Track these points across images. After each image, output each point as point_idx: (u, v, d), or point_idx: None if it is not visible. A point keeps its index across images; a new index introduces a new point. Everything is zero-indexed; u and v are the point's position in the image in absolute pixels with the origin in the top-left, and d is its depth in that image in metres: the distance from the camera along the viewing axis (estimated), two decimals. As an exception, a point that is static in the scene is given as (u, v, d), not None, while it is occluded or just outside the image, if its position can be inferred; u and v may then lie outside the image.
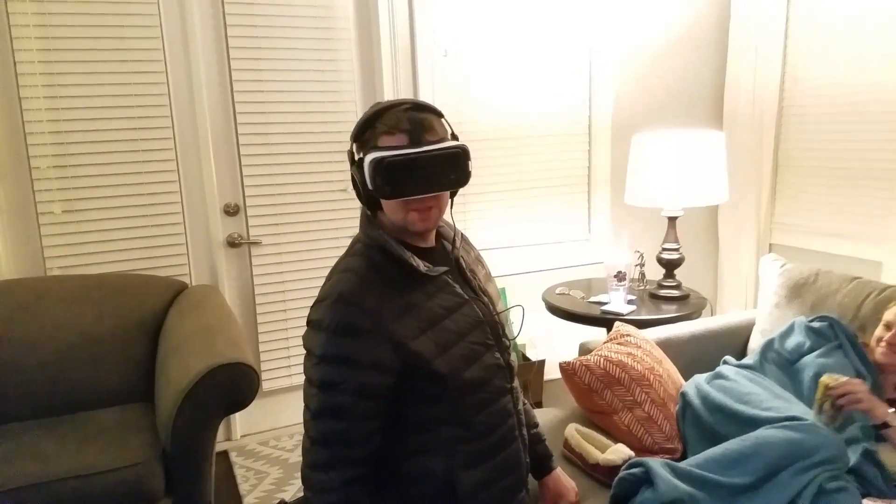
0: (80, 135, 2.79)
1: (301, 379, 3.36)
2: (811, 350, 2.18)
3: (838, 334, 2.16)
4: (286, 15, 3.05)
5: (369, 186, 1.34)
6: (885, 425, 1.80)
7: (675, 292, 3.04)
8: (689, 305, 2.96)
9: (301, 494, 2.68)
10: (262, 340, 3.23)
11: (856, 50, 3.19)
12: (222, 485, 2.83)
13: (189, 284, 2.91)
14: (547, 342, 3.59)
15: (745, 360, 2.32)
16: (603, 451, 1.91)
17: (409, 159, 1.31)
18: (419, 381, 1.37)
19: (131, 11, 2.79)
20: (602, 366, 2.14)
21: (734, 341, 2.64)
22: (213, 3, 2.94)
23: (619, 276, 2.91)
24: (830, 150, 3.38)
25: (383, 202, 1.39)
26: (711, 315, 2.97)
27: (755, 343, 2.57)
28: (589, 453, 1.92)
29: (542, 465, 1.70)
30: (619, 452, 1.88)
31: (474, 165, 1.41)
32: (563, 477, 1.72)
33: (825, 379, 1.85)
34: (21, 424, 2.30)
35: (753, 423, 1.86)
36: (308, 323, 1.38)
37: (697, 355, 2.50)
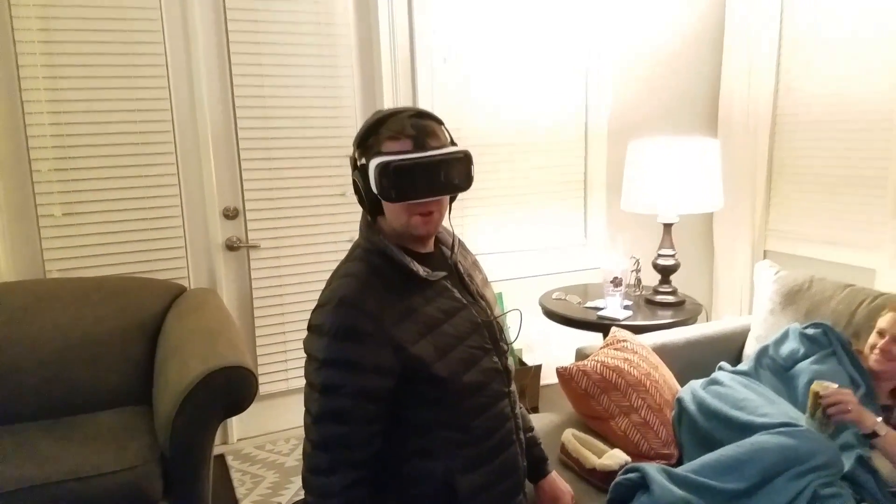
0: (80, 138, 2.81)
1: (298, 383, 3.39)
2: (805, 357, 2.19)
3: (832, 341, 2.18)
4: (287, 21, 3.07)
5: (374, 190, 1.36)
6: (875, 434, 1.83)
7: (670, 298, 3.06)
8: (684, 311, 2.98)
9: (297, 498, 2.69)
10: (260, 344, 3.24)
11: (848, 60, 3.22)
12: (219, 488, 2.83)
13: (188, 287, 2.92)
14: (544, 347, 3.61)
15: (741, 367, 2.34)
16: (599, 457, 1.93)
17: (414, 163, 1.33)
18: (419, 385, 1.39)
19: (134, 17, 2.81)
20: (599, 371, 2.15)
21: (729, 347, 2.65)
22: (215, 9, 2.96)
23: (616, 282, 2.93)
24: (824, 158, 3.40)
25: (386, 207, 1.41)
26: (707, 321, 2.99)
27: (750, 349, 2.58)
28: (586, 458, 1.93)
29: (537, 469, 1.72)
30: (615, 457, 1.89)
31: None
32: (558, 480, 1.74)
33: (815, 387, 1.87)
34: (19, 426, 2.30)
35: (748, 429, 1.88)
36: (309, 327, 1.39)
37: (693, 361, 2.51)
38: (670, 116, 3.85)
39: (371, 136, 1.40)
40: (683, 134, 3.85)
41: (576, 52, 3.64)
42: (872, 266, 3.14)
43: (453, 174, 1.38)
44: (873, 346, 2.08)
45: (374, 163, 1.34)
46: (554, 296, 3.23)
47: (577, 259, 3.81)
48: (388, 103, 3.24)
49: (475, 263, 1.69)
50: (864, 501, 1.76)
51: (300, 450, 3.11)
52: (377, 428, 1.38)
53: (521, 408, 1.69)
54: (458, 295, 1.51)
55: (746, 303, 3.77)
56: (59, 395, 2.43)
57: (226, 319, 2.53)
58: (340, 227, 3.31)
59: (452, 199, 1.50)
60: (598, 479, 1.89)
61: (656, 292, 3.11)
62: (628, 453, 1.94)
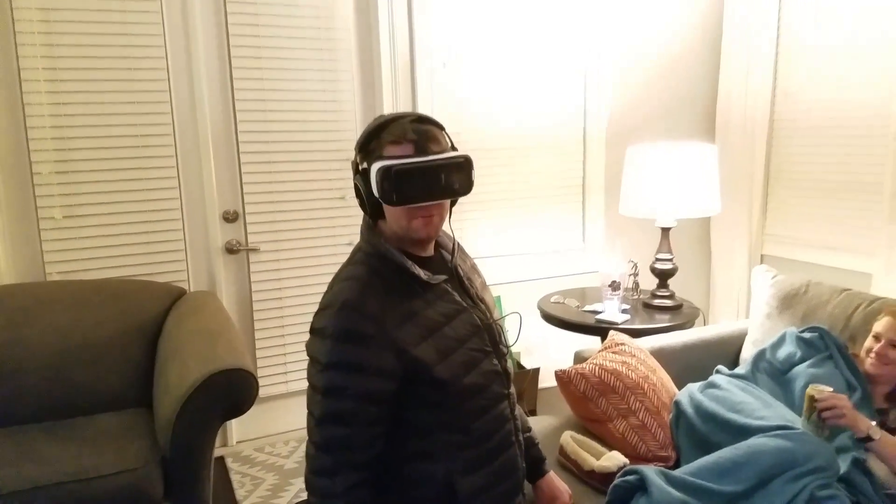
0: (81, 141, 2.82)
1: (297, 385, 3.40)
2: (802, 360, 2.21)
3: (829, 345, 2.19)
4: (288, 25, 3.08)
5: (376, 194, 1.37)
6: (869, 438, 1.84)
7: (668, 302, 3.08)
8: (682, 315, 2.99)
9: (297, 500, 2.70)
10: (259, 347, 3.25)
11: (845, 66, 3.24)
12: (219, 490, 2.84)
13: (188, 290, 2.93)
14: (542, 350, 3.62)
15: (738, 370, 2.35)
16: (598, 458, 1.94)
17: (416, 167, 1.34)
18: (420, 387, 1.40)
19: (135, 20, 2.83)
20: (597, 374, 2.17)
21: (726, 351, 2.67)
22: (215, 13, 2.98)
23: (614, 286, 2.95)
24: (821, 163, 3.42)
25: (387, 210, 1.42)
26: (704, 325, 3.00)
27: (747, 353, 2.60)
28: (584, 460, 1.95)
29: (535, 469, 1.73)
30: (613, 459, 1.91)
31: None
32: (556, 480, 1.75)
33: (811, 390, 1.89)
34: (20, 428, 2.31)
35: (746, 431, 1.89)
36: (312, 331, 1.41)
37: (690, 364, 2.53)
38: (668, 120, 3.87)
39: (373, 141, 1.41)
40: (681, 138, 3.87)
41: (574, 56, 3.66)
42: (869, 271, 3.15)
43: (454, 178, 1.40)
44: (869, 350, 2.10)
45: (375, 167, 1.35)
46: (552, 299, 3.25)
47: (575, 263, 3.82)
48: (388, 107, 3.26)
49: (474, 267, 1.71)
50: (859, 503, 1.77)
51: (299, 452, 3.12)
52: (379, 430, 1.39)
53: (519, 409, 1.71)
54: (458, 298, 1.52)
55: (743, 307, 3.79)
56: (59, 398, 2.43)
57: (226, 322, 2.54)
58: (339, 230, 3.32)
59: (453, 204, 1.51)
60: (596, 480, 1.90)
61: (654, 296, 3.13)
62: (626, 455, 1.96)
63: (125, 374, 2.54)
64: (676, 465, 2.00)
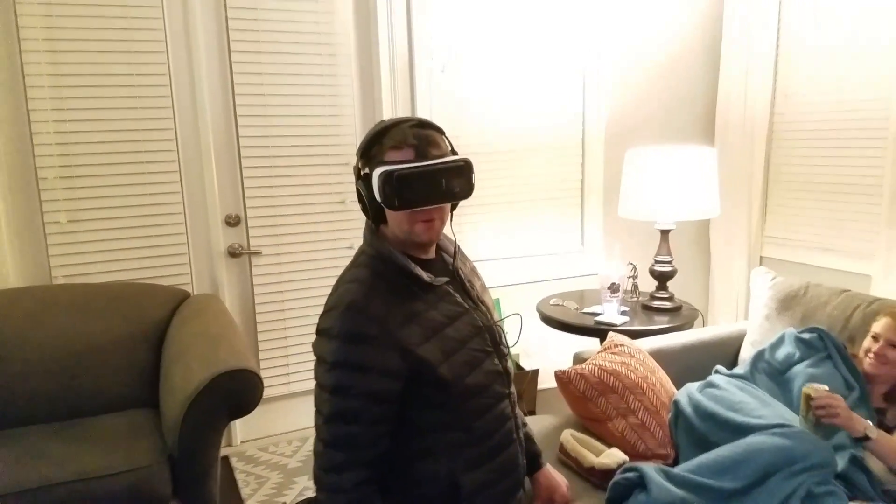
0: (85, 146, 2.85)
1: (300, 386, 3.42)
2: (801, 360, 2.23)
3: (827, 345, 2.21)
4: (288, 31, 3.11)
5: (378, 199, 1.39)
6: (867, 438, 1.87)
7: (667, 304, 3.10)
8: (681, 317, 3.01)
9: (301, 498, 2.72)
10: (262, 349, 3.28)
11: (845, 68, 3.26)
12: (224, 489, 2.86)
13: (191, 293, 2.96)
14: (540, 352, 3.64)
15: (736, 370, 2.37)
16: (598, 456, 1.96)
17: (417, 172, 1.37)
18: (424, 387, 1.42)
19: (137, 26, 2.85)
20: (597, 374, 2.19)
21: (725, 352, 2.69)
22: (216, 20, 3.00)
23: (613, 288, 2.97)
24: (820, 165, 3.44)
25: (389, 215, 1.45)
26: (703, 326, 3.02)
27: (746, 354, 2.62)
28: (584, 457, 1.97)
29: (532, 463, 1.76)
30: (613, 456, 1.93)
31: (472, 177, 1.48)
32: (553, 472, 1.77)
33: (807, 389, 1.91)
34: (28, 429, 2.33)
35: (744, 430, 1.91)
36: (318, 331, 1.43)
37: (689, 365, 2.55)
38: (667, 122, 3.89)
39: (374, 146, 1.43)
40: (680, 139, 3.90)
41: (573, 57, 3.67)
42: (868, 272, 3.17)
43: (454, 182, 1.42)
44: (868, 351, 2.12)
45: (377, 172, 1.38)
46: (551, 302, 3.27)
47: (574, 265, 3.85)
48: (388, 112, 3.29)
49: (474, 270, 1.73)
50: (856, 499, 1.80)
51: (303, 451, 3.14)
52: (385, 428, 1.42)
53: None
54: (460, 300, 1.54)
55: (742, 308, 3.81)
56: (66, 399, 2.46)
57: (229, 324, 2.56)
58: (340, 234, 3.34)
59: (454, 207, 1.53)
60: (596, 477, 1.92)
61: (653, 298, 3.14)
62: (626, 454, 1.98)
63: (131, 375, 2.57)
64: (675, 464, 2.02)
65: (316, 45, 3.18)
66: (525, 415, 2.00)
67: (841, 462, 1.85)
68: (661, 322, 2.92)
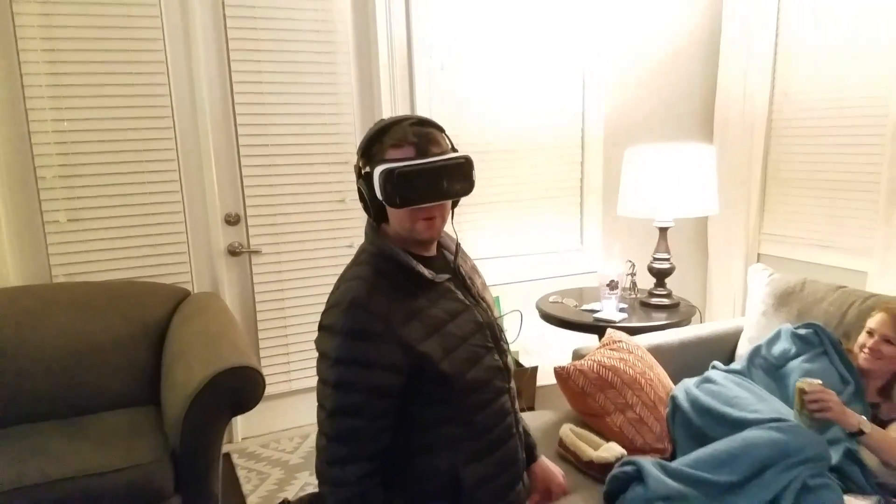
0: (84, 145, 2.86)
1: (300, 384, 3.43)
2: (797, 356, 2.26)
3: (823, 341, 2.24)
4: (287, 29, 3.12)
5: (379, 196, 1.40)
6: (861, 432, 1.89)
7: (665, 300, 3.12)
8: (679, 313, 3.03)
9: (302, 493, 2.74)
10: (263, 346, 3.29)
11: (843, 67, 3.28)
12: (226, 485, 2.87)
13: (191, 292, 2.97)
14: (540, 349, 3.66)
15: (733, 366, 2.40)
16: (596, 449, 1.99)
17: (417, 169, 1.38)
18: (426, 383, 1.44)
19: (136, 25, 2.87)
20: (595, 370, 2.21)
21: (722, 348, 2.71)
22: (214, 18, 3.02)
23: (612, 285, 2.99)
24: (818, 163, 3.46)
25: (390, 212, 1.46)
26: (700, 323, 3.04)
27: (743, 349, 2.64)
28: (583, 451, 1.99)
29: (529, 454, 1.77)
30: (612, 450, 1.95)
31: (471, 176, 1.49)
32: (549, 463, 1.79)
33: (801, 384, 1.94)
34: (31, 426, 2.35)
35: (740, 424, 1.94)
36: (321, 328, 1.44)
37: (687, 361, 2.57)
38: (666, 120, 3.91)
39: (374, 145, 1.44)
40: (679, 138, 3.91)
41: (573, 56, 3.69)
42: (865, 269, 3.19)
43: (455, 179, 1.43)
44: (863, 346, 2.14)
45: (378, 170, 1.39)
46: (550, 299, 3.28)
47: (573, 263, 3.86)
48: (387, 110, 3.30)
49: (474, 268, 1.74)
50: (850, 492, 1.82)
51: (304, 448, 3.16)
52: (388, 422, 1.43)
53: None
54: (461, 297, 1.55)
55: (739, 305, 3.83)
56: (67, 397, 2.47)
57: (230, 322, 2.58)
58: (339, 232, 3.36)
59: (455, 205, 1.54)
60: (595, 470, 1.95)
61: (651, 295, 3.16)
62: (624, 448, 2.00)
63: (131, 373, 2.58)
64: (672, 458, 2.04)
65: (315, 43, 3.19)
66: (523, 411, 2.02)
67: (835, 455, 1.87)
68: (659, 318, 2.95)
